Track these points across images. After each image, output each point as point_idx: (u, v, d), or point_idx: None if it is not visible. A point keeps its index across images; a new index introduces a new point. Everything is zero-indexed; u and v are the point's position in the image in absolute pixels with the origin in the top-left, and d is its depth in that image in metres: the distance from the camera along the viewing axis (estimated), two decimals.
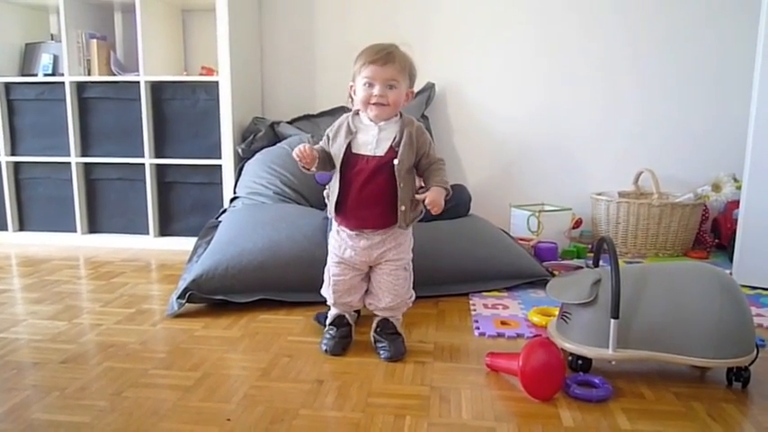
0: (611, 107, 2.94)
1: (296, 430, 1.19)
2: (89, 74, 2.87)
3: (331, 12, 3.04)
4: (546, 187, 3.00)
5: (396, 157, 1.44)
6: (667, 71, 2.88)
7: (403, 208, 1.47)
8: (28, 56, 2.98)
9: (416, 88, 2.92)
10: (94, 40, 2.85)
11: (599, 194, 2.83)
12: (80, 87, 2.85)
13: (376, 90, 1.44)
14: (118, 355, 1.57)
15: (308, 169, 1.49)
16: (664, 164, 2.87)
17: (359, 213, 1.48)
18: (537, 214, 2.65)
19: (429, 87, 2.96)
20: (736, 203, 2.61)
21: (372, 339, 1.60)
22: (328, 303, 1.62)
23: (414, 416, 1.25)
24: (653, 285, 1.40)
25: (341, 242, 1.54)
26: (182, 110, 2.80)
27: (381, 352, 1.55)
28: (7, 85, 2.90)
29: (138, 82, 2.77)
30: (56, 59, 2.91)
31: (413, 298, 1.60)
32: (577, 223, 2.84)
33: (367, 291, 1.60)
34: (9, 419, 1.23)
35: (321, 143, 1.54)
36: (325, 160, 1.51)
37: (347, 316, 1.61)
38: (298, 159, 1.46)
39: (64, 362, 1.52)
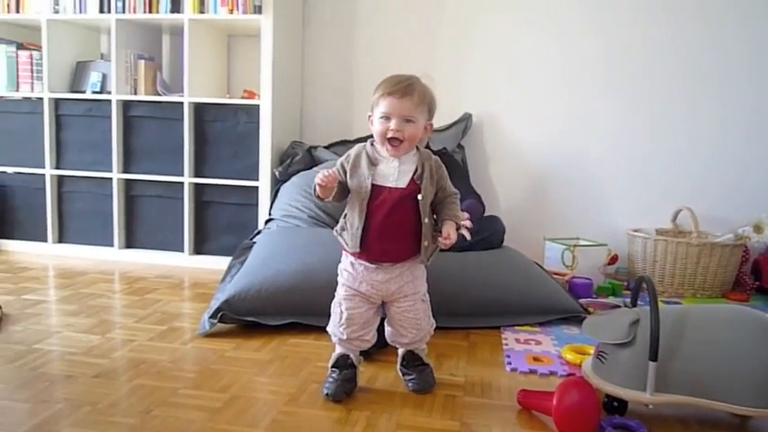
0: (651, 142, 2.90)
1: None
2: (135, 93, 2.95)
3: (371, 40, 3.08)
4: (581, 221, 2.96)
5: (419, 191, 1.41)
6: (710, 107, 2.84)
7: (426, 243, 1.43)
8: (78, 73, 3.08)
9: (453, 118, 3.00)
10: (142, 61, 2.94)
11: (636, 231, 2.77)
12: (126, 106, 2.94)
13: (392, 124, 1.40)
14: (149, 372, 1.58)
15: (323, 198, 1.44)
16: (703, 202, 2.81)
17: (381, 246, 1.43)
18: (572, 248, 2.61)
19: (466, 118, 2.96)
20: None
21: (400, 372, 1.56)
22: (335, 341, 1.52)
23: None
24: (693, 328, 1.36)
25: (356, 275, 1.47)
26: (222, 131, 2.86)
27: (409, 383, 1.52)
28: (57, 101, 3.00)
29: (182, 103, 2.83)
30: (104, 78, 3.00)
31: (434, 326, 1.56)
32: (613, 260, 2.79)
33: (386, 326, 1.55)
34: None
35: (335, 169, 1.46)
36: (342, 190, 1.45)
37: (352, 357, 1.51)
38: (321, 185, 1.39)
39: (96, 376, 1.54)
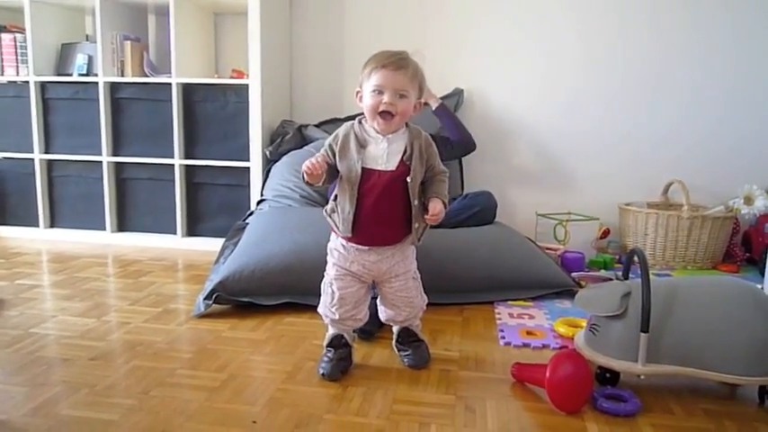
0: (641, 116, 2.90)
1: None
2: (122, 75, 2.92)
3: (360, 16, 3.05)
4: (573, 196, 2.97)
5: (408, 173, 1.39)
6: (700, 80, 2.84)
7: (416, 225, 1.43)
8: (63, 56, 3.04)
9: (444, 92, 2.98)
10: (128, 42, 2.90)
11: (627, 205, 2.79)
12: (113, 88, 2.90)
13: (385, 97, 1.37)
14: (145, 353, 1.59)
15: (312, 184, 1.40)
16: (694, 175, 2.82)
17: (372, 230, 1.42)
18: (564, 223, 2.63)
19: (458, 93, 2.95)
20: (767, 217, 2.57)
21: (396, 349, 1.58)
22: (327, 322, 1.52)
23: (438, 425, 1.24)
24: (684, 299, 1.38)
25: (347, 255, 1.46)
26: (212, 112, 2.84)
27: (405, 359, 1.53)
28: (43, 84, 2.96)
29: (170, 84, 2.81)
30: (90, 60, 2.97)
31: (426, 302, 1.58)
32: (605, 233, 2.81)
33: (378, 305, 1.57)
34: (39, 415, 1.25)
35: (322, 154, 1.43)
36: (330, 174, 1.42)
37: (346, 336, 1.51)
38: (308, 173, 1.36)
39: (93, 359, 1.55)
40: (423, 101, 1.47)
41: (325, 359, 1.48)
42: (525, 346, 1.70)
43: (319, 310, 1.52)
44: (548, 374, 1.30)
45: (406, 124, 1.44)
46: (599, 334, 1.41)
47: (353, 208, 1.39)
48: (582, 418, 1.28)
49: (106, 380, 1.42)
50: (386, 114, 1.37)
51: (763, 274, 2.27)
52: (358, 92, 1.44)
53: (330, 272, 1.49)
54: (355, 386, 1.40)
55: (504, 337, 1.74)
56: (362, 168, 1.38)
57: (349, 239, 1.44)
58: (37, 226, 3.05)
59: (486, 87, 3.00)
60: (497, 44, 2.97)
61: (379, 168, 1.39)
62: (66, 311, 1.92)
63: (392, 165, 1.39)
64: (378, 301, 1.57)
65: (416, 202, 1.40)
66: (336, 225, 1.44)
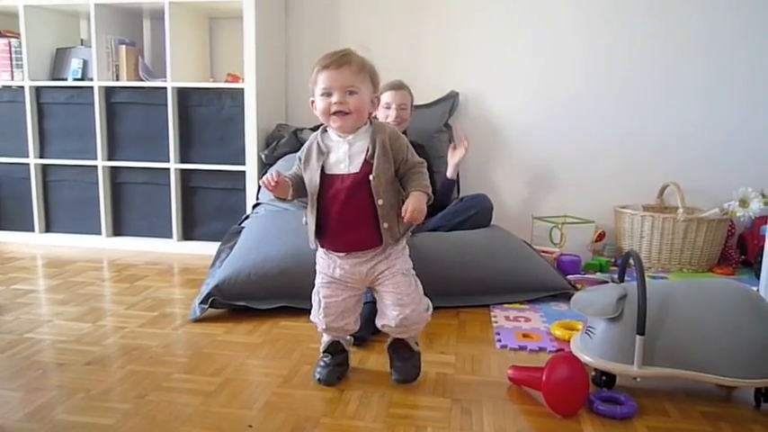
0: (637, 119, 2.91)
1: None
2: (117, 79, 2.92)
3: (355, 20, 3.06)
4: (569, 199, 2.97)
5: (371, 172, 1.32)
6: (695, 84, 2.85)
7: (386, 225, 1.34)
8: (58, 60, 3.04)
9: (439, 95, 2.99)
10: (123, 46, 2.90)
11: (623, 207, 2.80)
12: (108, 92, 2.90)
13: (335, 98, 1.31)
14: (141, 358, 1.58)
15: (284, 199, 1.38)
16: (690, 178, 2.83)
17: (342, 237, 1.37)
18: (560, 226, 2.63)
19: (452, 96, 2.96)
20: (763, 219, 2.58)
21: (388, 356, 1.51)
22: (319, 330, 1.48)
23: (435, 428, 1.24)
24: (680, 302, 1.38)
25: (329, 261, 1.42)
26: (207, 116, 2.83)
27: (393, 373, 1.47)
28: (38, 89, 2.96)
29: (165, 88, 2.81)
30: (85, 64, 2.96)
31: (430, 310, 1.47)
32: (600, 236, 2.81)
33: (377, 311, 1.48)
34: (35, 420, 1.24)
35: (294, 168, 1.42)
36: (301, 186, 1.39)
37: (342, 342, 1.48)
38: (266, 187, 1.35)
39: (88, 363, 1.54)
40: (378, 95, 1.40)
41: (321, 364, 1.46)
42: (521, 349, 1.70)
43: (311, 317, 1.48)
44: (544, 377, 1.30)
45: (369, 121, 1.38)
46: (595, 336, 1.41)
47: (314, 218, 1.36)
48: (578, 421, 1.28)
49: (102, 384, 1.42)
50: (339, 114, 1.32)
51: (758, 277, 2.28)
52: (312, 101, 1.38)
53: (317, 280, 1.46)
54: (351, 390, 1.40)
55: (500, 340, 1.74)
56: (326, 175, 1.34)
57: (325, 247, 1.41)
58: (32, 230, 3.04)
59: (481, 90, 3.01)
60: (493, 47, 2.97)
61: (341, 173, 1.34)
62: (62, 316, 1.91)
63: (355, 166, 1.33)
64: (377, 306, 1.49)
65: (381, 202, 1.32)
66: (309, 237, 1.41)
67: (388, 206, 1.34)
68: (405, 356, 1.48)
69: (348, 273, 1.40)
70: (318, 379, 1.43)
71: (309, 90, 1.38)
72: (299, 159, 1.41)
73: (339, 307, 1.43)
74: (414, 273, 1.45)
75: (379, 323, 1.46)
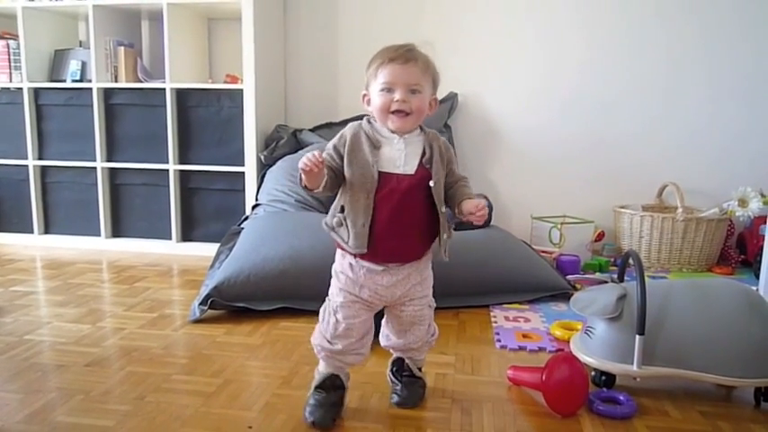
0: (637, 119, 2.92)
1: None
2: (116, 80, 2.92)
3: (354, 20, 3.06)
4: (568, 199, 2.97)
5: (430, 177, 1.22)
6: (695, 84, 2.85)
7: (445, 236, 1.25)
8: (57, 62, 3.04)
9: (438, 96, 2.96)
10: (122, 48, 2.90)
11: (622, 207, 2.80)
12: (107, 93, 2.90)
13: (397, 95, 1.20)
14: (141, 359, 1.58)
15: (311, 189, 1.21)
16: (689, 177, 2.83)
17: (390, 244, 1.22)
18: (559, 226, 2.63)
19: (452, 97, 2.96)
20: (762, 219, 2.57)
21: (388, 378, 1.41)
22: (321, 357, 1.30)
23: (434, 428, 1.24)
24: (679, 301, 1.38)
25: (356, 279, 1.25)
26: (206, 117, 2.83)
27: (393, 396, 1.36)
28: (36, 91, 2.96)
29: (164, 89, 2.81)
30: (84, 66, 2.96)
31: (435, 335, 1.39)
32: (600, 236, 2.81)
33: (384, 327, 1.37)
34: (34, 422, 1.24)
35: (326, 157, 1.23)
36: (333, 179, 1.22)
37: (342, 377, 1.30)
38: (306, 170, 1.16)
39: (88, 365, 1.54)
40: (435, 97, 1.30)
41: (313, 402, 1.27)
42: (521, 349, 1.70)
43: (313, 340, 1.30)
44: (543, 377, 1.30)
45: (421, 127, 1.28)
46: (594, 336, 1.41)
47: (368, 219, 1.20)
48: (578, 421, 1.28)
49: (101, 386, 1.42)
50: (399, 113, 1.21)
51: (757, 277, 2.28)
52: (365, 95, 1.28)
53: (335, 298, 1.27)
54: (351, 390, 1.39)
55: (499, 341, 1.75)
56: (379, 172, 1.20)
57: (361, 257, 1.24)
58: (31, 232, 3.03)
59: (480, 91, 3.01)
60: (492, 48, 2.98)
61: (397, 172, 1.21)
62: (61, 318, 1.91)
63: (411, 168, 1.22)
64: (383, 322, 1.37)
65: (444, 209, 1.24)
66: (345, 241, 1.23)
67: (446, 216, 1.25)
68: (408, 379, 1.37)
69: (379, 294, 1.25)
70: (312, 422, 1.24)
71: (365, 82, 1.27)
72: (336, 149, 1.24)
73: (361, 328, 1.27)
74: (434, 303, 1.36)
75: (384, 342, 1.37)
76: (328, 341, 1.26)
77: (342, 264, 1.28)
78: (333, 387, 1.29)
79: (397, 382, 1.38)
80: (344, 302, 1.26)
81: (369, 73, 1.26)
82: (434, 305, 1.36)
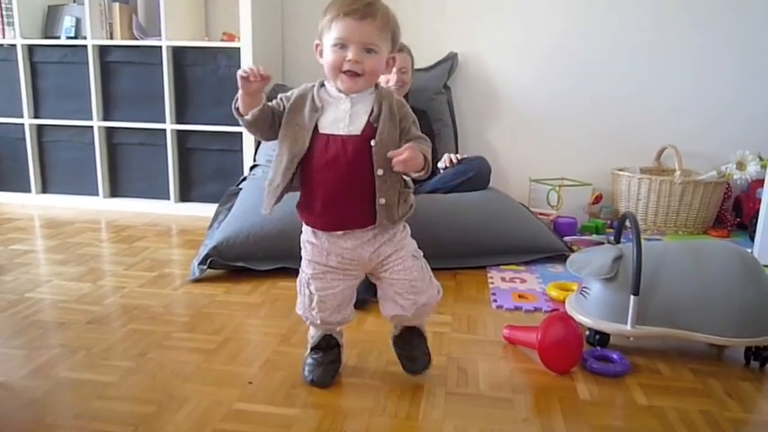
0: (636, 82, 2.89)
1: (316, 395, 1.22)
2: (111, 37, 2.87)
3: None
4: (566, 162, 2.97)
5: (374, 136, 1.13)
6: (693, 47, 2.82)
7: (383, 201, 1.15)
8: (50, 18, 2.98)
9: (439, 57, 2.95)
10: (117, 4, 2.84)
11: (620, 170, 2.80)
12: (102, 51, 2.86)
13: (350, 54, 1.12)
14: (141, 317, 1.60)
15: (243, 115, 1.17)
16: (687, 140, 2.82)
17: (336, 209, 1.16)
18: (557, 189, 2.63)
19: (451, 57, 2.92)
20: (760, 182, 2.58)
21: (393, 346, 1.33)
22: (309, 323, 1.28)
23: (432, 385, 1.27)
24: (674, 263, 1.40)
25: (321, 246, 1.20)
26: (203, 76, 2.80)
27: (406, 364, 1.30)
28: (30, 48, 2.91)
29: (160, 47, 2.76)
30: (78, 22, 2.91)
31: (440, 293, 1.29)
32: (597, 199, 2.82)
33: (380, 299, 1.28)
34: (38, 377, 1.27)
35: (273, 102, 1.20)
36: (267, 120, 1.17)
37: (335, 335, 1.30)
38: (243, 77, 1.12)
39: (89, 323, 1.56)
40: (394, 55, 1.20)
41: (311, 362, 1.28)
42: (517, 309, 1.72)
43: (298, 310, 1.27)
44: (538, 336, 1.32)
45: (375, 85, 1.19)
46: (590, 297, 1.43)
47: (284, 183, 1.16)
48: (572, 378, 1.31)
49: (103, 343, 1.44)
50: (350, 74, 1.13)
51: (752, 239, 2.30)
52: (317, 44, 1.19)
53: (306, 269, 1.23)
54: (349, 348, 1.41)
55: (496, 301, 1.77)
56: (319, 135, 1.14)
57: (309, 222, 1.21)
58: (29, 191, 3.03)
59: (480, 52, 2.97)
60: (492, 8, 2.93)
61: (340, 133, 1.14)
62: (61, 276, 1.92)
63: (357, 128, 1.14)
64: (379, 294, 1.29)
65: (380, 172, 1.13)
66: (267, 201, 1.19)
67: (389, 180, 1.15)
68: (416, 344, 1.30)
69: (347, 258, 1.20)
70: (311, 380, 1.25)
71: (318, 31, 1.18)
72: (282, 98, 1.19)
73: (336, 299, 1.23)
74: (422, 254, 1.27)
75: (389, 313, 1.26)
76: (309, 312, 1.24)
77: (306, 232, 1.23)
78: (328, 346, 1.29)
79: (403, 346, 1.30)
80: (315, 274, 1.22)
81: (323, 22, 1.16)
82: (421, 254, 1.26)
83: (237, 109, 1.18)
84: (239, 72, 1.11)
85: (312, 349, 1.30)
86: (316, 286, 1.22)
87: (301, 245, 1.24)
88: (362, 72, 1.13)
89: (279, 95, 1.20)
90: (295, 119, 1.16)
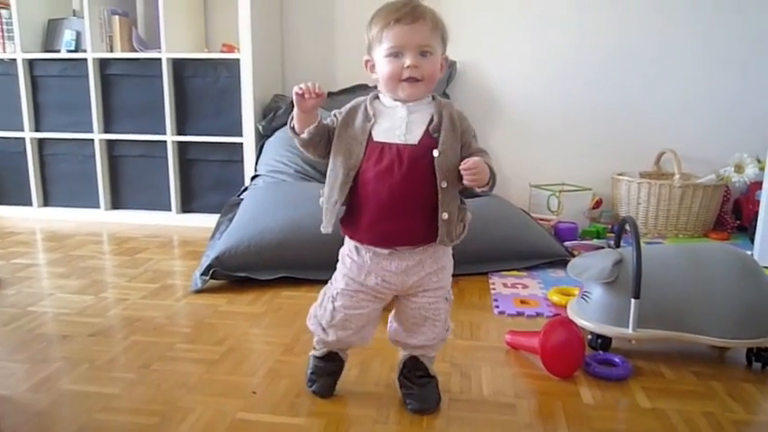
0: (634, 87, 2.90)
1: (320, 404, 1.22)
2: (111, 50, 2.89)
3: None
4: (566, 167, 2.98)
5: (436, 146, 1.07)
6: (690, 51, 2.83)
7: (445, 216, 1.08)
8: (51, 32, 3.00)
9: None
10: (116, 17, 2.87)
11: (620, 175, 2.81)
12: (103, 64, 2.88)
13: (408, 60, 1.06)
14: (144, 329, 1.61)
15: (299, 133, 1.11)
16: (686, 144, 2.83)
17: (389, 225, 1.09)
18: (557, 194, 2.64)
19: (450, 65, 2.94)
20: (758, 185, 2.58)
21: (398, 383, 1.25)
22: (317, 340, 1.23)
23: None
24: (674, 266, 1.40)
25: (362, 264, 1.13)
26: (203, 87, 2.82)
27: (408, 401, 1.21)
28: (31, 62, 2.93)
29: (160, 59, 2.78)
30: (78, 36, 2.93)
31: (450, 331, 1.24)
32: (597, 203, 2.83)
33: (389, 321, 1.26)
34: (42, 390, 1.27)
35: (327, 120, 1.15)
36: (323, 138, 1.12)
37: (341, 354, 1.26)
38: (298, 94, 1.07)
39: (92, 335, 1.56)
40: (446, 55, 1.16)
41: (314, 370, 1.26)
42: (519, 314, 1.73)
43: (309, 322, 1.22)
44: (541, 341, 1.32)
45: (432, 95, 1.14)
46: (591, 301, 1.44)
47: (343, 198, 1.10)
48: (575, 382, 1.31)
49: (106, 355, 1.44)
50: (411, 80, 1.08)
51: (752, 241, 2.30)
52: (367, 60, 1.14)
53: (338, 283, 1.17)
54: (353, 355, 1.40)
55: (498, 306, 1.77)
56: (374, 143, 1.09)
57: (358, 239, 1.13)
58: (30, 205, 3.04)
59: (479, 59, 2.99)
60: (490, 16, 2.94)
61: (396, 142, 1.08)
62: (64, 289, 1.93)
63: (414, 137, 1.08)
64: (391, 316, 1.25)
65: (445, 185, 1.07)
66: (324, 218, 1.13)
67: (451, 193, 1.09)
68: (421, 380, 1.22)
69: (387, 281, 1.13)
70: (314, 390, 1.24)
71: (366, 46, 1.13)
72: (335, 114, 1.14)
73: (362, 320, 1.16)
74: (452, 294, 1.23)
75: (392, 338, 1.24)
76: (323, 328, 1.19)
77: (348, 246, 1.17)
78: (333, 359, 1.25)
79: (410, 384, 1.22)
80: (346, 290, 1.15)
81: (371, 35, 1.11)
82: (452, 298, 1.22)
83: (293, 128, 1.13)
84: (295, 89, 1.07)
85: (315, 358, 1.27)
86: (343, 303, 1.15)
87: (339, 257, 1.19)
88: (422, 77, 1.08)
89: (332, 112, 1.15)
90: (347, 131, 1.11)
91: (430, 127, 1.09)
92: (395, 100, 1.11)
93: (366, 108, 1.12)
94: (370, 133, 1.09)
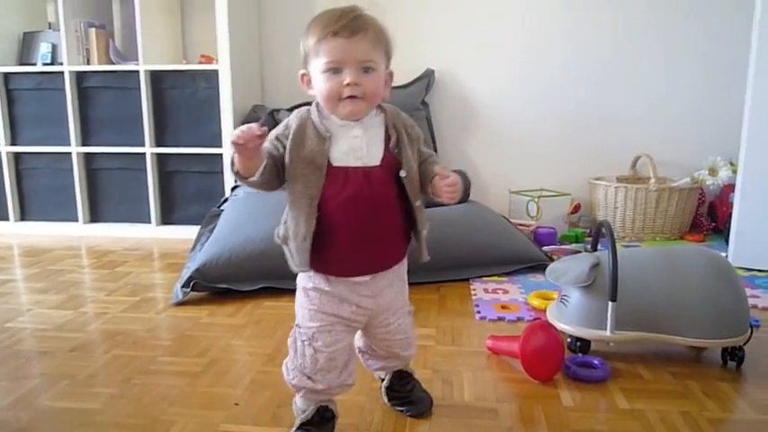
0: (606, 94, 2.95)
1: None
2: (88, 63, 2.87)
3: None
4: (545, 173, 3.01)
5: (399, 165, 1.02)
6: (662, 56, 2.89)
7: (425, 232, 1.07)
8: (26, 45, 2.98)
9: (416, 74, 2.99)
10: (93, 29, 2.85)
11: (597, 179, 2.85)
12: (79, 77, 2.86)
13: (347, 77, 0.97)
14: (125, 342, 1.59)
15: (246, 177, 0.99)
16: (661, 148, 2.88)
17: (365, 253, 1.03)
18: (536, 200, 2.67)
19: (428, 74, 2.96)
20: (731, 187, 2.64)
21: (386, 397, 1.23)
22: (301, 394, 1.09)
23: None
24: (650, 268, 1.43)
25: (334, 292, 1.04)
26: (182, 99, 2.81)
27: (406, 409, 1.20)
28: (6, 75, 2.90)
29: (138, 71, 2.77)
30: (54, 48, 2.91)
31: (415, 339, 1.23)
32: (576, 208, 2.86)
33: (366, 355, 1.21)
34: (20, 407, 1.26)
35: (268, 146, 1.01)
36: (274, 172, 1.01)
37: (331, 406, 1.11)
38: (238, 144, 0.92)
39: (72, 350, 1.55)
40: (391, 71, 1.08)
41: None
42: (500, 319, 1.74)
43: (287, 378, 1.08)
44: (521, 345, 1.34)
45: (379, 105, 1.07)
46: (569, 305, 1.46)
47: (310, 231, 0.99)
48: (555, 385, 1.33)
49: (86, 370, 1.43)
50: (352, 98, 0.99)
51: (727, 243, 2.35)
52: (304, 74, 1.04)
53: (308, 324, 1.05)
54: None
55: (479, 312, 1.79)
56: (335, 168, 0.99)
57: (330, 272, 1.04)
58: (7, 219, 3.00)
59: (457, 67, 3.02)
60: (467, 24, 2.98)
61: (359, 165, 1.00)
62: (42, 304, 1.91)
63: (375, 158, 1.01)
64: (360, 357, 1.20)
65: (419, 203, 1.05)
66: (292, 257, 1.04)
67: (422, 208, 1.06)
68: (409, 385, 1.23)
69: (363, 307, 1.06)
70: None
71: (302, 59, 1.04)
72: (277, 138, 1.02)
73: (344, 355, 1.07)
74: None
75: (372, 368, 1.22)
76: (308, 377, 1.05)
77: (315, 279, 1.05)
78: (322, 420, 1.09)
79: (403, 395, 1.22)
80: (322, 326, 1.04)
81: (306, 47, 1.01)
82: (413, 309, 1.20)
83: (237, 172, 0.99)
84: (232, 140, 0.92)
85: (302, 426, 1.08)
86: (324, 342, 1.04)
87: (301, 294, 1.08)
88: (363, 95, 0.99)
89: (272, 133, 1.02)
90: (300, 155, 0.99)
91: (390, 144, 1.03)
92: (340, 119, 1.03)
93: (316, 127, 1.01)
94: (329, 156, 0.99)
